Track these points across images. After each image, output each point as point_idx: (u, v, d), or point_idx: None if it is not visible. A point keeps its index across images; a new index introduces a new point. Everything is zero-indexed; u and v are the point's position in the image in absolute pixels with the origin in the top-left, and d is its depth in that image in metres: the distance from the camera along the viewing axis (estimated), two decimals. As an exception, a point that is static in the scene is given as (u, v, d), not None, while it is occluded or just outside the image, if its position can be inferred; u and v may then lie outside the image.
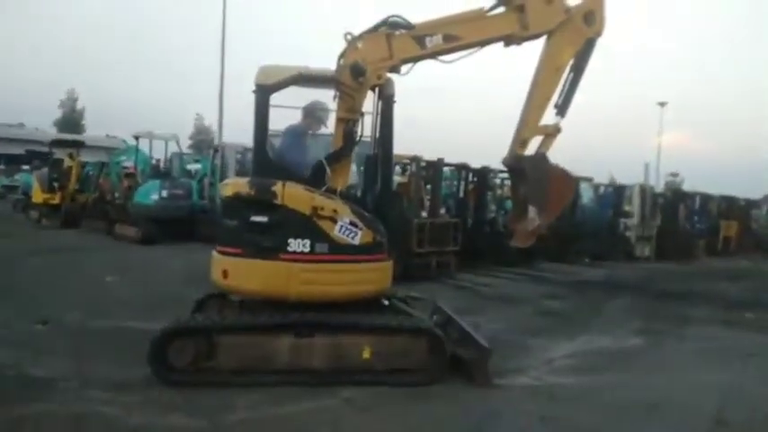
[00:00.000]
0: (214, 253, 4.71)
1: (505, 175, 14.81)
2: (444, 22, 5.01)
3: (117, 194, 15.75)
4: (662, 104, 37.22)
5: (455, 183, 13.65)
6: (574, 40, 5.27)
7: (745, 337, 6.96)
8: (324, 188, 4.66)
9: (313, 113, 5.12)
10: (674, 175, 57.93)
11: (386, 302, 5.05)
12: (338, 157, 4.77)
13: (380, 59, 4.78)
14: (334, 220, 4.39)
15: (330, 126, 5.06)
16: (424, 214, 11.28)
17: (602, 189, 17.21)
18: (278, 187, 4.38)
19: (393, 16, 4.89)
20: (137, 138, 14.98)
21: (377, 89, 4.84)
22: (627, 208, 17.09)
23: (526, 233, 5.20)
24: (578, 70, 5.40)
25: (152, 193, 13.88)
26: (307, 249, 4.36)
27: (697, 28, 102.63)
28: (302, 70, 4.81)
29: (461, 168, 12.95)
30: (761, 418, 4.32)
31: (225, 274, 4.52)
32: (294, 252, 4.35)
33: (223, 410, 3.92)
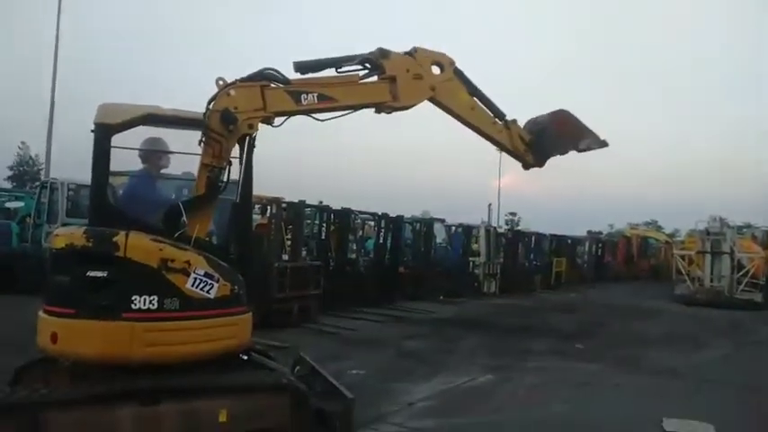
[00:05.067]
0: (41, 314, 4.07)
1: (366, 216, 15.24)
2: (320, 83, 5.15)
3: None
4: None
5: (316, 224, 13.66)
6: (453, 90, 6.02)
7: (576, 367, 7.76)
8: (178, 234, 4.33)
9: (151, 154, 4.76)
10: (513, 214, 64.16)
11: (245, 357, 4.76)
12: (198, 203, 4.48)
13: (253, 110, 4.71)
14: (187, 273, 4.05)
15: (173, 167, 4.80)
16: (285, 257, 11.05)
17: (453, 229, 18.37)
18: (120, 237, 3.94)
19: (268, 69, 4.89)
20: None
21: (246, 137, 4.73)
22: (475, 247, 18.48)
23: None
24: (474, 89, 6.38)
25: (-40, 237, 11.84)
26: (154, 306, 3.93)
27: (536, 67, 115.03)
28: (151, 110, 4.49)
29: (322, 210, 13.02)
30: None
31: (54, 337, 3.90)
32: (139, 310, 3.91)
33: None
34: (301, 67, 5.46)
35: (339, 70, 5.58)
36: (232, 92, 4.67)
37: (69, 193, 12.94)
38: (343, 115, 5.43)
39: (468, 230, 18.44)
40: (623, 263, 28.38)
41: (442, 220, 17.96)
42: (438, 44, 6.19)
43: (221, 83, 4.70)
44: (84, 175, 4.47)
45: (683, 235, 32.13)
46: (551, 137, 7.03)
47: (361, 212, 14.62)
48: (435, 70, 6.12)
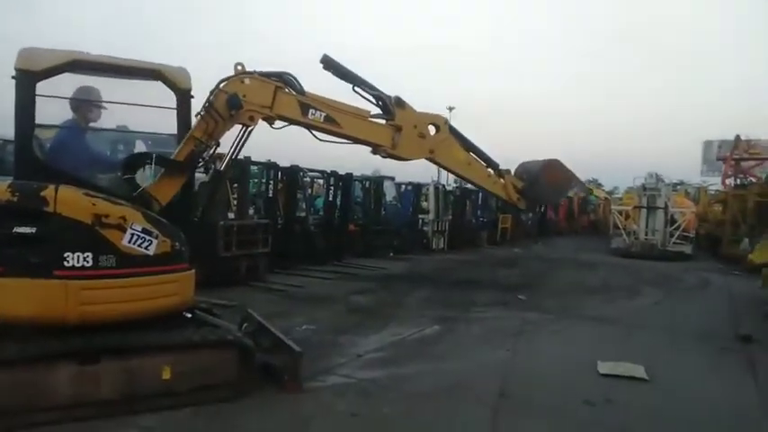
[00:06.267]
0: (-37, 274, 3.83)
1: (315, 174, 15.06)
2: (332, 105, 5.24)
3: None
4: (450, 109, 41.31)
5: (264, 182, 13.41)
6: (449, 148, 6.55)
7: (518, 316, 8.09)
8: (127, 177, 4.22)
9: (82, 104, 4.49)
10: (462, 173, 64.75)
11: (188, 315, 4.68)
12: (171, 167, 4.38)
13: (260, 105, 4.74)
14: (123, 229, 3.90)
15: (106, 119, 4.62)
16: (231, 216, 10.83)
17: (402, 188, 18.45)
18: (48, 192, 3.73)
19: (289, 74, 4.96)
20: None
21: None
22: (424, 205, 18.68)
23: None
24: (468, 143, 6.94)
25: None
26: (89, 264, 3.79)
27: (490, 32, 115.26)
28: (78, 56, 4.21)
29: (270, 167, 12.75)
30: (533, 387, 5.04)
31: (-21, 298, 3.71)
32: (72, 267, 3.75)
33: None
34: (327, 61, 5.70)
35: (354, 89, 5.83)
36: (247, 80, 4.68)
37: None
38: (341, 142, 5.54)
39: (417, 188, 18.57)
40: (565, 219, 29.48)
41: (392, 179, 17.97)
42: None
43: (239, 68, 4.70)
44: (10, 130, 4.18)
45: (622, 192, 33.63)
46: (543, 187, 7.93)
47: (310, 170, 14.42)
48: (431, 130, 6.52)
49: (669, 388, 5.15)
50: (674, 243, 18.11)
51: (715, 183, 25.00)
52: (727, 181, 20.00)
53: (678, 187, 26.06)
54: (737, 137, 19.82)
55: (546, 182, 7.93)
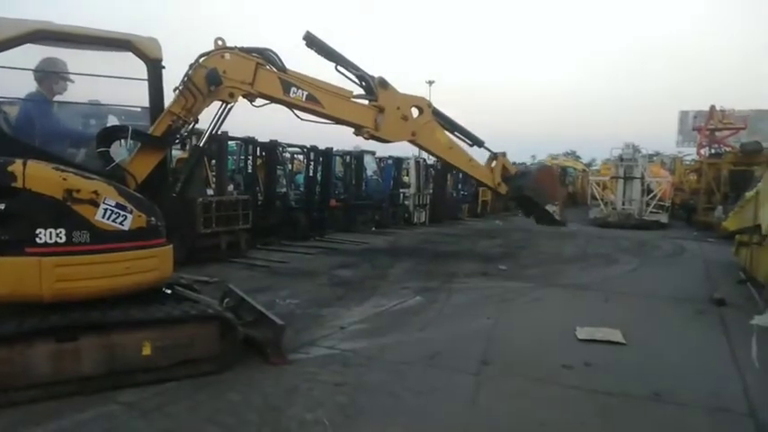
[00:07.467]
0: (-70, 253, 3.72)
1: (294, 149, 14.89)
2: (314, 84, 5.15)
3: None
4: (430, 83, 40.92)
5: (242, 158, 13.24)
6: (432, 131, 6.58)
7: (499, 285, 8.19)
8: (101, 150, 4.13)
9: (48, 76, 4.33)
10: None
11: (168, 291, 4.63)
12: (148, 142, 4.29)
13: (241, 81, 4.66)
14: (96, 204, 3.81)
15: (73, 91, 4.44)
16: (210, 192, 10.69)
17: (383, 162, 18.37)
18: (16, 167, 3.61)
19: (271, 50, 4.86)
20: None
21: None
22: (405, 179, 18.66)
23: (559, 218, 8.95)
24: (451, 124, 7.07)
25: None
26: (62, 240, 3.70)
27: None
28: (41, 26, 4.05)
29: (248, 143, 12.56)
30: (514, 354, 5.12)
31: (-52, 278, 3.60)
32: (45, 244, 3.66)
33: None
34: (310, 38, 5.59)
35: (337, 68, 5.76)
36: (227, 56, 4.57)
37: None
38: (322, 122, 5.43)
39: (398, 163, 18.51)
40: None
41: (373, 153, 17.86)
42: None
43: (220, 43, 4.58)
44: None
45: (599, 164, 33.96)
46: (530, 180, 8.59)
47: (289, 145, 14.25)
48: (414, 112, 6.47)
49: (646, 350, 5.28)
50: (650, 212, 18.43)
51: (690, 153, 25.40)
52: (702, 151, 20.31)
53: (654, 158, 26.42)
54: (712, 107, 20.07)
55: (538, 178, 8.64)
